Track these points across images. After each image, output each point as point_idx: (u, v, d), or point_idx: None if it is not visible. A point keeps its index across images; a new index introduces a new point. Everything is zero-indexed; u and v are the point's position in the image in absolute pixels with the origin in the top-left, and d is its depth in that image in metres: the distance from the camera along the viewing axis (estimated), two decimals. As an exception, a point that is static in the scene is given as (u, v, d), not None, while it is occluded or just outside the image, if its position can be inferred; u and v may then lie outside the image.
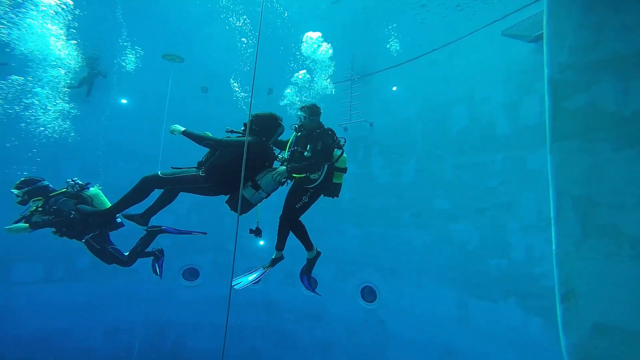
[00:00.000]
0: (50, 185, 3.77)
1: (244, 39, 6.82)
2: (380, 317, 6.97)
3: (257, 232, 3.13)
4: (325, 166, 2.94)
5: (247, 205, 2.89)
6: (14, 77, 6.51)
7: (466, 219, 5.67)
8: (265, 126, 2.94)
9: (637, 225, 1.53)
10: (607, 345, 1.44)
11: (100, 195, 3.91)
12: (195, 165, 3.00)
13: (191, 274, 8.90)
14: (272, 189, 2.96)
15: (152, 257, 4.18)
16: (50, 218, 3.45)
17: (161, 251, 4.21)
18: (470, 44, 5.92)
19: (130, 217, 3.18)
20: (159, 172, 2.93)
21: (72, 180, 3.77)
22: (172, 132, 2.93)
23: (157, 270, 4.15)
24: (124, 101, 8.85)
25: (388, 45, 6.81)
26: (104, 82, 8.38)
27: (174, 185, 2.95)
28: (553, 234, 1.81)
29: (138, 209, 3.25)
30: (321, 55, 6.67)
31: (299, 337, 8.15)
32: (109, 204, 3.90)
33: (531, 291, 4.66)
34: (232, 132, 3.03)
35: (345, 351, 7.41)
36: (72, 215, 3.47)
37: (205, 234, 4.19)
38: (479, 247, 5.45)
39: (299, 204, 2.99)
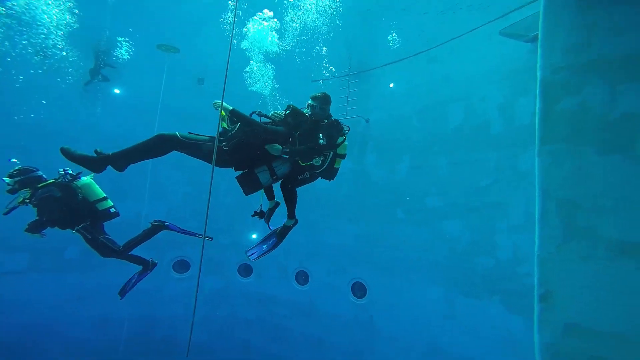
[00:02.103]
0: (44, 176, 3.74)
1: (245, 29, 6.72)
2: (370, 313, 7.04)
3: (261, 214, 3.26)
4: (331, 153, 3.08)
5: (257, 187, 2.97)
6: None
7: (458, 217, 5.71)
8: (299, 122, 3.00)
9: (613, 228, 1.57)
10: (576, 345, 1.47)
11: (93, 185, 3.87)
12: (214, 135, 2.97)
13: (182, 266, 8.89)
14: (283, 178, 3.11)
15: (140, 267, 4.09)
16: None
17: (154, 265, 4.11)
18: (469, 42, 5.88)
19: (105, 158, 2.71)
20: (177, 133, 2.77)
21: (64, 170, 3.74)
22: (217, 108, 2.90)
23: (129, 285, 4.03)
24: (117, 91, 8.72)
25: (387, 41, 6.77)
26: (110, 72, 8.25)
27: (190, 150, 2.81)
28: (536, 235, 1.83)
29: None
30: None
31: (291, 331, 8.22)
32: (102, 194, 3.90)
33: (514, 290, 4.75)
34: (259, 114, 3.02)
35: (335, 346, 7.49)
36: (55, 209, 3.44)
37: (211, 239, 4.09)
38: (469, 246, 5.51)
39: (300, 176, 3.13)
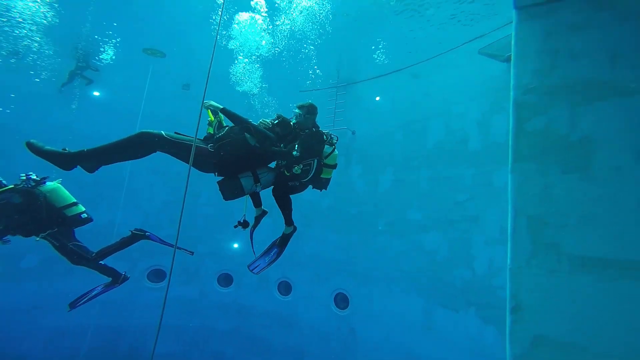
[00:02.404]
0: (3, 181, 3.50)
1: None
2: (352, 325, 7.01)
3: (244, 224, 3.14)
4: (315, 162, 3.03)
5: (238, 193, 2.88)
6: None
7: (437, 229, 5.86)
8: (286, 133, 2.99)
9: (574, 243, 1.67)
10: (544, 356, 1.54)
11: (60, 190, 3.65)
12: (201, 138, 2.90)
13: (157, 275, 8.52)
14: (267, 187, 3.04)
15: (109, 279, 3.86)
16: None
17: (125, 279, 3.90)
18: (450, 60, 6.18)
19: (76, 155, 2.48)
20: (163, 132, 2.65)
21: (26, 175, 3.51)
22: (208, 107, 2.83)
23: (87, 297, 3.81)
24: (96, 93, 8.41)
25: (374, 55, 6.98)
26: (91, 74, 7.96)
27: (175, 150, 2.68)
28: (508, 249, 1.92)
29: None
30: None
31: (270, 343, 8.01)
32: (72, 199, 3.68)
33: (489, 302, 4.90)
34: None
35: (316, 358, 7.36)
36: (13, 216, 3.25)
37: (192, 253, 3.93)
38: (447, 258, 5.65)
39: (291, 183, 3.07)
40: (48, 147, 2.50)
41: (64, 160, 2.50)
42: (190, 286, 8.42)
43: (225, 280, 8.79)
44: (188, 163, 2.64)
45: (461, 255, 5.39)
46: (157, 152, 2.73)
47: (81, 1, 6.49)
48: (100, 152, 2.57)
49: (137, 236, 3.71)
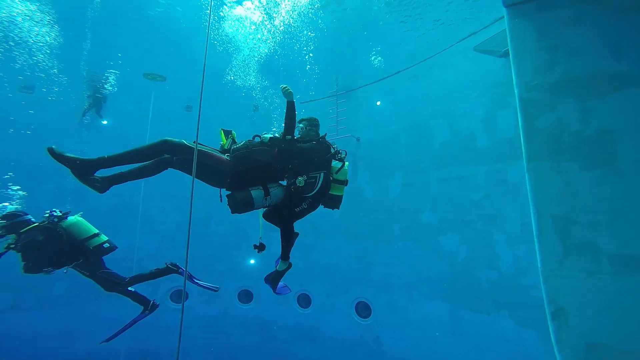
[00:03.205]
0: (32, 219, 3.70)
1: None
2: (376, 333, 6.88)
3: (261, 247, 3.06)
4: (322, 175, 2.95)
5: (247, 207, 2.82)
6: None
7: (454, 231, 5.75)
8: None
9: (613, 242, 1.60)
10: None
11: (80, 223, 3.82)
12: (218, 149, 2.96)
13: (179, 296, 8.57)
14: (276, 203, 2.99)
15: (141, 308, 4.03)
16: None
17: (155, 307, 4.05)
18: (447, 59, 6.17)
19: (94, 162, 2.50)
20: (184, 140, 2.70)
21: (49, 212, 3.70)
22: (286, 92, 2.92)
23: (122, 329, 3.96)
24: (104, 122, 8.66)
25: (371, 60, 7.02)
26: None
27: (190, 157, 2.67)
28: (537, 251, 1.85)
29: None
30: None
31: (294, 357, 7.92)
32: (93, 230, 3.85)
33: (522, 302, 4.71)
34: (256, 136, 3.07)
35: (341, 370, 7.24)
36: (37, 253, 3.42)
37: (217, 290, 4.15)
38: (468, 260, 5.52)
39: (298, 208, 2.98)
40: (69, 154, 2.55)
41: (83, 165, 2.53)
42: (212, 305, 8.44)
43: (246, 296, 8.78)
44: (202, 175, 2.70)
45: (483, 255, 5.25)
46: (168, 170, 2.79)
47: (79, 33, 6.71)
48: (120, 159, 2.60)
49: (170, 270, 3.91)
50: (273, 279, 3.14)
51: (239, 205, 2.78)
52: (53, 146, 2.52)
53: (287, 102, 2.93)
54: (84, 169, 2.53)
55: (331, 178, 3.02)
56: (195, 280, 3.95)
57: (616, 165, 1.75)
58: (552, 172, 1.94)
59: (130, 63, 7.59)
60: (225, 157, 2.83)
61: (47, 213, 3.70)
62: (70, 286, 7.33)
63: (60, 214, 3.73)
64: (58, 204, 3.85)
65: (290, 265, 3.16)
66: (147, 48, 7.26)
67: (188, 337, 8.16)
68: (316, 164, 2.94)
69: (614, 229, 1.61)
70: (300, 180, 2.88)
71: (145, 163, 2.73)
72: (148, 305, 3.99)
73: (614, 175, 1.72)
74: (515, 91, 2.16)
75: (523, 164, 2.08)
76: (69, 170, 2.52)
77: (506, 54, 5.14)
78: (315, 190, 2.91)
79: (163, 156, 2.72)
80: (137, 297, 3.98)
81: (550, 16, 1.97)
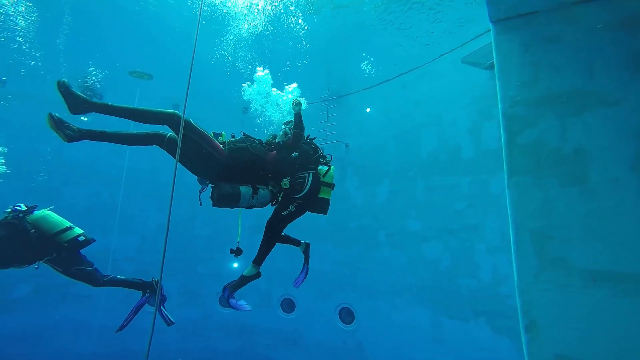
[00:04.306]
0: None
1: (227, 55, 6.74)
2: (359, 339, 6.89)
3: (237, 252, 3.00)
4: (311, 175, 2.95)
5: (232, 201, 2.76)
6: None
7: (437, 239, 5.85)
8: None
9: (583, 257, 1.66)
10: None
11: (49, 217, 3.66)
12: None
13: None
14: (261, 205, 2.98)
15: (145, 296, 3.90)
16: None
17: (155, 284, 3.89)
18: (436, 69, 6.32)
19: (96, 105, 2.51)
20: (191, 120, 2.74)
21: (11, 207, 3.53)
22: (296, 105, 2.97)
23: (131, 314, 3.82)
24: (84, 119, 8.34)
25: (362, 67, 7.09)
26: None
27: (195, 136, 2.68)
28: (514, 265, 1.91)
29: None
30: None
31: (275, 363, 7.81)
32: (65, 224, 3.69)
33: (498, 311, 4.85)
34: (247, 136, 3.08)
35: (323, 376, 7.19)
36: (5, 247, 3.28)
37: (171, 324, 3.92)
38: (450, 268, 5.62)
39: (285, 212, 2.97)
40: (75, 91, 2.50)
41: (80, 101, 2.48)
42: (192, 308, 8.24)
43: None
44: (195, 159, 2.67)
45: (464, 264, 5.38)
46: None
47: (58, 29, 6.47)
48: (123, 112, 2.59)
49: (148, 286, 3.84)
50: (234, 286, 2.98)
51: (224, 198, 2.70)
52: (64, 79, 2.48)
53: (295, 113, 2.98)
54: (80, 105, 2.48)
55: (320, 179, 3.04)
56: (162, 309, 3.80)
57: (589, 183, 1.82)
58: (533, 187, 1.99)
59: (116, 60, 7.36)
60: (221, 146, 2.82)
61: (9, 208, 3.52)
62: (37, 287, 6.96)
63: (26, 209, 3.56)
64: (29, 204, 3.67)
65: (259, 274, 3.05)
66: (134, 45, 7.07)
67: (164, 340, 7.90)
68: (304, 165, 2.98)
69: (585, 244, 1.69)
70: (285, 182, 2.88)
71: (136, 131, 2.73)
72: (146, 288, 3.86)
73: (587, 193, 1.80)
74: (499, 106, 2.20)
75: (504, 178, 2.12)
76: (64, 101, 2.46)
77: (491, 67, 5.32)
78: (305, 190, 2.92)
79: (157, 130, 2.70)
80: (133, 284, 3.84)
81: (533, 32, 2.04)
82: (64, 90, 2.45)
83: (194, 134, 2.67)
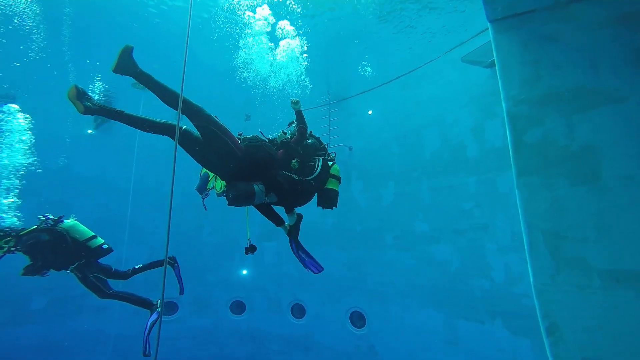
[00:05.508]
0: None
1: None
2: (371, 343, 6.83)
3: (252, 249, 3.01)
4: (320, 160, 2.98)
5: (249, 200, 2.73)
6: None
7: (446, 240, 5.79)
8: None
9: (601, 257, 1.62)
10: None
11: (78, 226, 3.93)
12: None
13: (168, 307, 8.34)
14: (271, 201, 2.98)
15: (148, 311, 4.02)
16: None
17: (155, 305, 3.99)
18: (436, 69, 6.29)
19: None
20: (213, 115, 2.74)
21: (43, 217, 3.77)
22: (295, 104, 3.02)
23: (145, 334, 3.90)
24: (90, 132, 8.45)
25: (361, 69, 7.10)
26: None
27: (213, 127, 2.67)
28: (529, 265, 1.88)
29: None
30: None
31: (288, 369, 7.79)
32: (90, 232, 3.95)
33: (515, 311, 4.75)
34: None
35: (336, 381, 7.15)
36: (47, 252, 3.51)
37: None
38: (461, 269, 5.56)
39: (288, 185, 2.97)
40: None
41: (131, 64, 2.63)
42: (203, 316, 8.27)
43: (238, 307, 8.62)
44: (212, 151, 2.67)
45: (475, 264, 5.31)
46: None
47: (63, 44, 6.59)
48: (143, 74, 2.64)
49: (150, 306, 3.99)
50: (298, 245, 3.11)
51: (241, 196, 2.66)
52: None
53: (296, 111, 3.02)
54: (129, 68, 2.61)
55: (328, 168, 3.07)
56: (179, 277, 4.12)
57: (601, 181, 1.79)
58: (542, 187, 1.95)
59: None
60: (238, 136, 2.87)
61: (41, 217, 3.75)
62: (54, 299, 7.08)
63: (55, 218, 3.81)
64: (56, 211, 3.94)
65: (300, 216, 3.16)
66: (136, 55, 7.14)
67: (177, 347, 7.94)
68: (311, 156, 3.02)
69: (601, 244, 1.65)
70: (294, 163, 2.89)
71: (152, 117, 2.75)
72: (151, 305, 3.99)
73: (600, 191, 1.77)
74: (503, 105, 2.17)
75: (512, 177, 2.10)
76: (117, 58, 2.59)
77: (492, 65, 5.27)
78: (315, 173, 2.94)
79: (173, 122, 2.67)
80: (137, 301, 3.96)
81: (531, 31, 2.02)
82: (126, 49, 2.57)
83: (216, 128, 2.67)
